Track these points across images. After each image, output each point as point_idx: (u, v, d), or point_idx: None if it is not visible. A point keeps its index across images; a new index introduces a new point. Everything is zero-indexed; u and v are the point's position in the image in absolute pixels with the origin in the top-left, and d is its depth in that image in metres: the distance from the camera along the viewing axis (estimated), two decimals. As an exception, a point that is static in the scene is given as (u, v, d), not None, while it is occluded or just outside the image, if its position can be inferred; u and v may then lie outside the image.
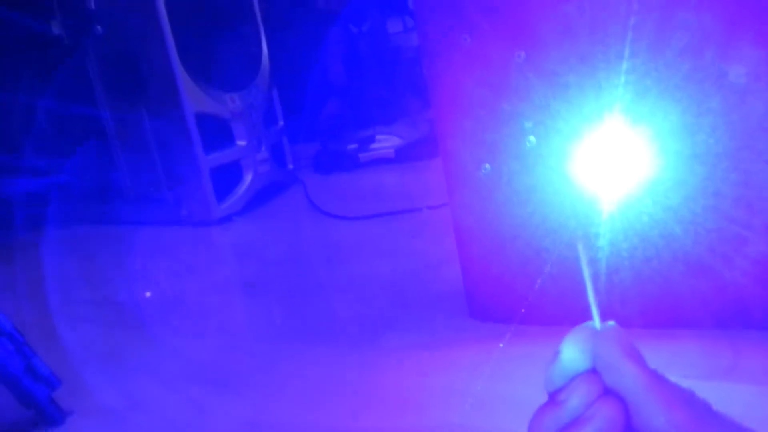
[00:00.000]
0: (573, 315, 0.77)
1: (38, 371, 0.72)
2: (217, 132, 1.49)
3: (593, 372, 0.24)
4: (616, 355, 0.24)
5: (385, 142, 1.84)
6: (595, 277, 0.27)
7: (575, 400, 0.24)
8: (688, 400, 0.22)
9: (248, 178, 1.56)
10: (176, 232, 1.48)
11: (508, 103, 0.67)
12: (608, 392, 0.24)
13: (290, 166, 1.80)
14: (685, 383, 0.61)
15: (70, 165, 1.65)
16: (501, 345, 0.66)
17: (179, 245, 1.40)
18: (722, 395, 0.58)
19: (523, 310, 0.74)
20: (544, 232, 0.71)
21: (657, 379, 0.23)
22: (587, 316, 0.77)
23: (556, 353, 0.26)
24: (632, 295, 0.68)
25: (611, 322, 0.26)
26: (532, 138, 0.67)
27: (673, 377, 0.63)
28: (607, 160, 0.64)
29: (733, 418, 0.22)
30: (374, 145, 1.83)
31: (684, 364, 0.63)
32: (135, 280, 1.21)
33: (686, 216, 0.62)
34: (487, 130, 0.69)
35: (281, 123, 1.75)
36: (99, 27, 1.42)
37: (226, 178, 1.51)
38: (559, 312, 0.75)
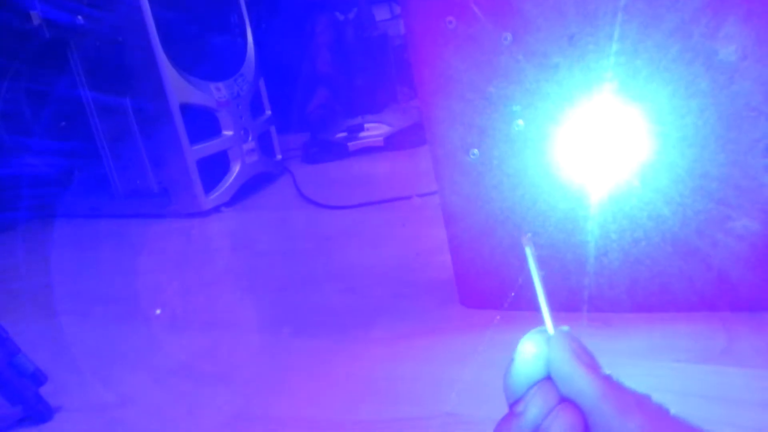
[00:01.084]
0: (562, 299, 0.77)
1: (23, 367, 0.71)
2: (203, 122, 1.47)
3: (548, 380, 0.24)
4: (570, 363, 0.24)
5: (374, 131, 1.83)
6: (545, 281, 0.26)
7: (532, 411, 0.24)
8: (643, 404, 0.22)
9: (236, 168, 1.54)
10: (164, 225, 1.47)
11: (496, 86, 0.66)
12: (564, 400, 0.24)
13: (278, 157, 1.78)
14: (676, 367, 0.61)
15: (55, 159, 1.63)
16: (496, 320, 0.65)
17: (168, 238, 1.39)
18: (714, 378, 0.58)
19: (512, 296, 0.74)
20: (534, 217, 0.70)
21: (611, 384, 0.23)
22: (575, 300, 0.77)
23: (511, 361, 0.25)
24: (621, 278, 0.68)
25: (564, 328, 0.25)
26: (520, 122, 0.66)
27: (665, 361, 0.63)
28: (595, 143, 0.64)
29: (690, 422, 0.21)
30: (363, 134, 1.82)
31: (675, 347, 0.63)
32: (123, 274, 1.20)
33: (675, 197, 0.62)
34: (474, 115, 0.68)
35: (268, 112, 1.74)
36: (80, 18, 1.40)
37: (214, 168, 1.50)
38: (549, 296, 0.75)
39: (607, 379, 0.23)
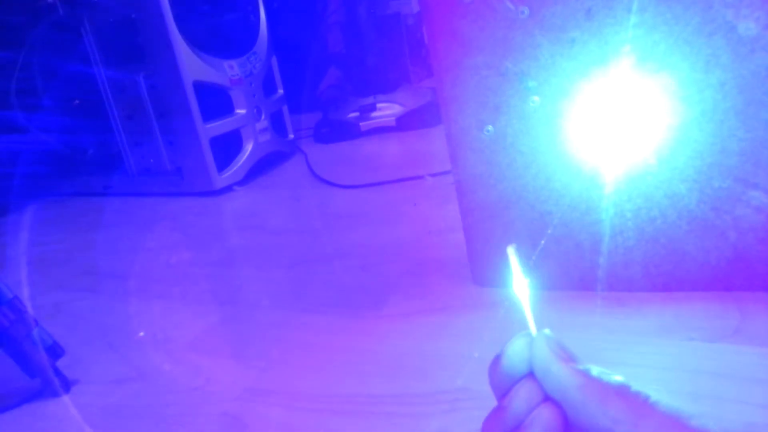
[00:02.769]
0: (576, 279, 0.77)
1: (41, 340, 0.72)
2: (216, 101, 1.47)
3: (532, 377, 0.26)
4: (549, 359, 0.25)
5: (386, 111, 1.82)
6: (529, 287, 0.28)
7: (516, 405, 0.25)
8: (622, 393, 0.22)
9: (249, 147, 1.54)
10: (177, 203, 1.48)
11: (512, 62, 0.65)
12: (547, 398, 0.25)
13: (291, 136, 1.78)
14: (689, 345, 0.61)
15: (69, 137, 1.64)
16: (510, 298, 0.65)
17: (181, 216, 1.40)
18: (727, 357, 0.58)
19: (527, 280, 0.74)
20: (548, 195, 0.70)
21: (589, 377, 0.24)
22: (589, 280, 0.77)
23: (497, 359, 0.27)
24: (636, 257, 0.68)
25: (546, 330, 0.27)
26: (535, 98, 0.65)
27: (678, 340, 0.62)
28: (612, 120, 0.63)
29: (675, 404, 0.21)
30: (375, 114, 1.82)
31: (688, 326, 0.63)
32: (136, 251, 1.21)
33: (692, 174, 0.61)
34: (489, 91, 0.68)
35: (281, 91, 1.73)
36: (94, -5, 1.40)
37: (227, 147, 1.50)
38: (562, 276, 0.75)
39: (585, 372, 0.24)
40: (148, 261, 1.14)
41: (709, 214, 0.62)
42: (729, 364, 0.56)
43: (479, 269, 0.79)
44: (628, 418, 0.22)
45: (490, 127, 0.69)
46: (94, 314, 0.95)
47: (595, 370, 0.24)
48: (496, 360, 0.27)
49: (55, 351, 0.73)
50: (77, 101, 1.58)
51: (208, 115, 1.44)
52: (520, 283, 0.28)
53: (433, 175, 1.26)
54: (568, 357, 0.25)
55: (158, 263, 1.12)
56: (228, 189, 1.50)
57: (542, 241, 0.70)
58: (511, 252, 0.29)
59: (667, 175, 0.62)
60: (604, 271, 0.70)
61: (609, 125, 0.63)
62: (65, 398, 0.73)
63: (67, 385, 0.74)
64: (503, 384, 0.27)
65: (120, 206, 1.56)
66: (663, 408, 0.22)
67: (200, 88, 1.41)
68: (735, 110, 0.57)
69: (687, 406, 0.22)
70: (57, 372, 0.73)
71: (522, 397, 0.25)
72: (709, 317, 0.63)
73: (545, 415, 0.24)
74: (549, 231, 0.70)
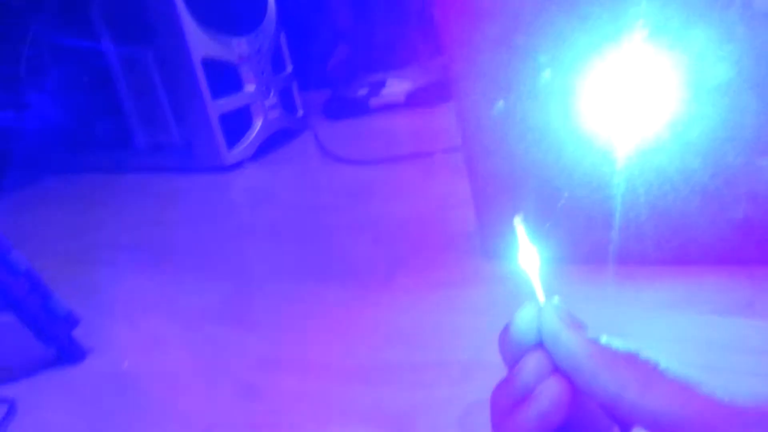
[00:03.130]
0: (587, 253, 0.77)
1: (56, 310, 0.73)
2: (225, 77, 1.47)
3: (541, 347, 0.26)
4: (558, 327, 0.25)
5: (396, 87, 1.81)
6: (537, 256, 0.28)
7: (524, 376, 0.25)
8: (631, 360, 0.23)
9: (258, 123, 1.54)
10: (189, 179, 1.48)
11: (523, 35, 0.65)
12: (556, 370, 0.25)
13: (300, 113, 1.78)
14: (700, 319, 0.61)
15: (78, 114, 1.64)
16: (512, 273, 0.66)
17: (191, 191, 1.41)
18: (738, 330, 0.58)
19: (535, 249, 0.74)
20: (559, 170, 0.70)
21: (597, 345, 0.24)
22: (601, 254, 0.76)
23: (506, 328, 0.27)
24: (647, 231, 0.68)
25: (555, 298, 0.27)
26: (547, 72, 0.65)
27: (689, 313, 0.63)
28: (624, 94, 0.63)
29: (681, 373, 0.22)
30: (384, 90, 1.81)
31: (700, 299, 0.63)
32: (148, 226, 1.22)
33: (706, 149, 0.61)
34: (500, 66, 0.67)
35: (290, 68, 1.73)
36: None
37: (236, 124, 1.50)
38: (573, 249, 0.75)
39: (594, 340, 0.24)
40: (160, 235, 1.15)
41: (722, 188, 0.62)
42: (741, 337, 0.57)
43: (489, 243, 0.79)
44: (637, 384, 0.22)
45: (500, 102, 0.69)
46: (108, 285, 0.96)
47: (604, 338, 0.24)
48: (506, 329, 0.27)
49: (70, 320, 0.74)
50: (86, 78, 1.59)
51: (218, 92, 1.44)
52: (527, 253, 0.28)
53: (443, 151, 1.26)
54: (577, 325, 0.25)
55: (171, 237, 1.13)
56: (238, 165, 1.50)
57: (560, 203, 0.70)
58: (518, 221, 0.29)
59: (680, 150, 0.62)
60: (615, 244, 0.70)
61: (621, 100, 0.63)
62: (81, 366, 0.74)
63: (82, 354, 0.75)
64: (513, 353, 0.27)
65: (131, 182, 1.57)
66: (672, 375, 0.22)
67: (209, 64, 1.41)
68: (750, 83, 0.57)
69: (696, 374, 0.22)
70: (72, 341, 0.75)
71: (530, 368, 0.25)
72: (720, 291, 0.64)
73: (552, 387, 0.24)
74: (559, 204, 0.70)
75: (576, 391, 0.25)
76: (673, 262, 0.69)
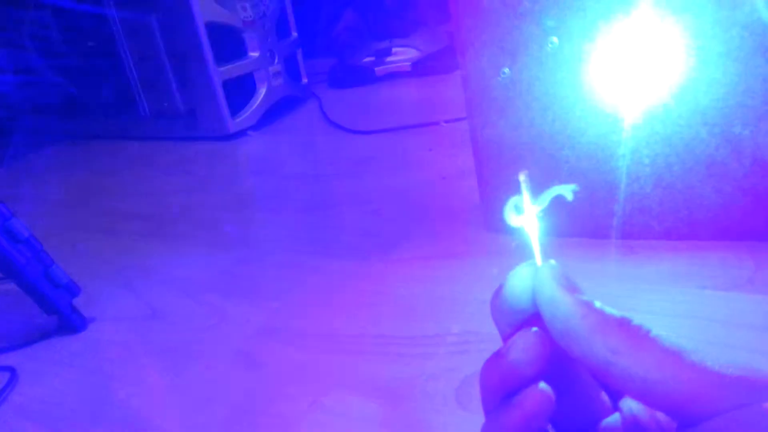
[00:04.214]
0: (589, 226, 0.76)
1: (57, 278, 0.73)
2: (229, 43, 1.45)
3: (537, 319, 0.25)
4: (552, 288, 0.24)
5: (402, 55, 1.78)
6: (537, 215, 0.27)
7: (515, 354, 0.24)
8: (624, 325, 0.22)
9: (262, 91, 1.53)
10: (192, 147, 1.48)
11: (530, 1, 0.63)
12: (548, 346, 0.24)
13: (305, 81, 1.76)
14: (702, 293, 0.61)
15: (82, 80, 1.63)
16: (514, 245, 0.65)
17: (195, 159, 1.40)
18: (739, 306, 0.57)
19: (539, 222, 0.73)
20: (564, 141, 0.68)
21: (591, 308, 0.23)
22: (603, 228, 0.75)
23: (499, 289, 0.26)
24: (651, 204, 0.67)
25: (552, 261, 0.26)
26: (554, 39, 0.63)
27: (691, 288, 0.62)
28: (632, 61, 0.61)
29: (671, 340, 0.21)
30: (390, 58, 1.78)
31: (701, 274, 0.62)
32: (150, 194, 1.22)
33: (713, 118, 0.59)
34: (506, 32, 0.65)
35: (295, 35, 1.70)
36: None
37: (240, 91, 1.48)
38: (576, 223, 0.74)
39: (588, 303, 0.23)
40: (163, 203, 1.15)
41: (729, 159, 0.61)
42: (742, 313, 0.56)
43: (492, 215, 0.78)
44: (628, 349, 0.22)
45: (506, 70, 0.68)
46: (110, 254, 0.96)
47: (598, 304, 0.24)
48: (499, 290, 0.26)
49: (70, 289, 0.75)
50: (90, 43, 1.57)
51: (221, 59, 1.42)
52: (529, 212, 0.27)
53: (448, 121, 1.25)
54: (572, 288, 0.24)
55: (173, 205, 1.13)
56: (241, 134, 1.49)
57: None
58: (523, 179, 0.27)
59: (688, 119, 0.61)
60: (618, 218, 0.69)
61: (629, 68, 0.61)
62: (82, 335, 0.75)
63: (83, 323, 0.76)
64: (506, 318, 0.26)
65: (134, 149, 1.57)
66: (664, 342, 0.21)
67: (213, 29, 1.39)
68: (763, 49, 0.55)
69: (689, 343, 0.21)
70: (73, 310, 0.75)
71: (520, 345, 0.24)
72: (723, 266, 0.63)
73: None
74: (563, 178, 0.69)
75: (566, 371, 0.25)
76: (675, 237, 0.68)
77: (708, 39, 0.56)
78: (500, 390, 0.25)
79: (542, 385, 0.24)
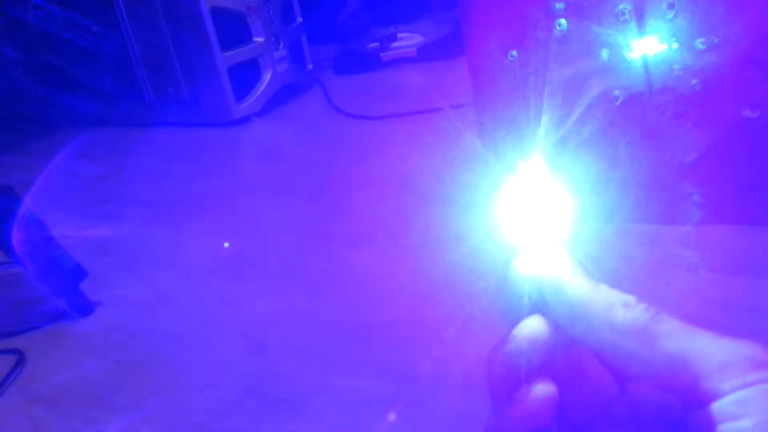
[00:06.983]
0: (599, 211, 0.75)
1: (65, 263, 0.73)
2: (233, 28, 1.44)
3: (540, 307, 0.24)
4: (557, 268, 0.24)
5: (407, 41, 1.77)
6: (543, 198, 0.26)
7: (519, 342, 0.24)
8: (629, 306, 0.22)
9: (267, 76, 1.52)
10: (197, 133, 1.47)
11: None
12: (553, 335, 0.24)
13: (310, 66, 1.75)
14: (717, 278, 0.60)
15: (86, 66, 1.62)
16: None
17: (200, 145, 1.40)
18: (750, 290, 0.57)
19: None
20: (572, 126, 0.68)
21: (597, 287, 0.23)
22: (619, 213, 0.75)
23: (504, 274, 0.26)
24: (660, 189, 0.66)
25: (558, 242, 0.25)
26: (562, 21, 0.63)
27: (701, 272, 0.61)
28: (645, 46, 0.60)
29: (677, 319, 0.21)
30: (396, 44, 1.77)
31: (712, 259, 0.62)
32: (155, 180, 1.21)
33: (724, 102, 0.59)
34: (515, 14, 0.65)
35: (299, 20, 1.69)
36: None
37: (244, 77, 1.48)
38: (585, 208, 0.73)
39: (594, 283, 0.23)
40: (168, 189, 1.15)
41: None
42: (752, 298, 0.56)
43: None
44: (633, 330, 0.21)
45: (513, 52, 0.67)
46: (117, 239, 0.96)
47: (603, 286, 0.23)
48: (504, 277, 0.26)
49: (77, 273, 0.75)
50: (94, 28, 1.56)
51: (226, 44, 1.41)
52: (532, 192, 0.27)
53: (454, 107, 1.24)
54: (577, 270, 0.24)
55: (178, 191, 1.13)
56: (246, 120, 1.48)
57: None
58: (526, 159, 0.27)
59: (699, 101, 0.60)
60: (633, 203, 0.69)
61: (640, 51, 0.61)
62: (90, 319, 0.75)
63: (90, 307, 0.76)
64: (507, 297, 0.25)
65: (139, 136, 1.56)
66: (669, 323, 0.21)
67: (218, 14, 1.38)
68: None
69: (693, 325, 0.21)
70: (80, 294, 0.75)
71: (523, 335, 0.24)
72: (734, 252, 0.63)
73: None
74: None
75: (573, 355, 0.24)
76: (686, 221, 0.67)
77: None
78: (506, 378, 0.24)
79: (543, 385, 0.24)
